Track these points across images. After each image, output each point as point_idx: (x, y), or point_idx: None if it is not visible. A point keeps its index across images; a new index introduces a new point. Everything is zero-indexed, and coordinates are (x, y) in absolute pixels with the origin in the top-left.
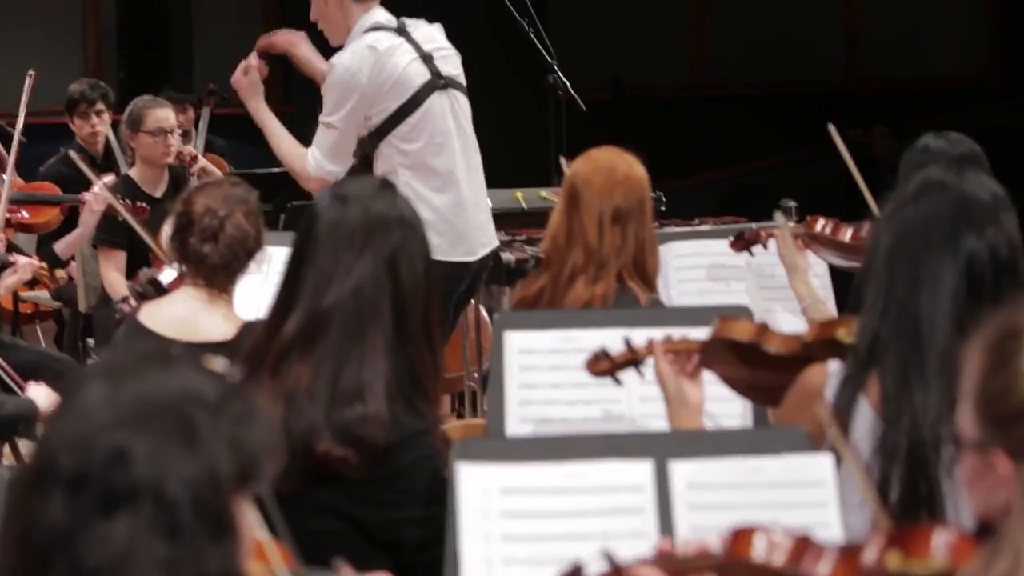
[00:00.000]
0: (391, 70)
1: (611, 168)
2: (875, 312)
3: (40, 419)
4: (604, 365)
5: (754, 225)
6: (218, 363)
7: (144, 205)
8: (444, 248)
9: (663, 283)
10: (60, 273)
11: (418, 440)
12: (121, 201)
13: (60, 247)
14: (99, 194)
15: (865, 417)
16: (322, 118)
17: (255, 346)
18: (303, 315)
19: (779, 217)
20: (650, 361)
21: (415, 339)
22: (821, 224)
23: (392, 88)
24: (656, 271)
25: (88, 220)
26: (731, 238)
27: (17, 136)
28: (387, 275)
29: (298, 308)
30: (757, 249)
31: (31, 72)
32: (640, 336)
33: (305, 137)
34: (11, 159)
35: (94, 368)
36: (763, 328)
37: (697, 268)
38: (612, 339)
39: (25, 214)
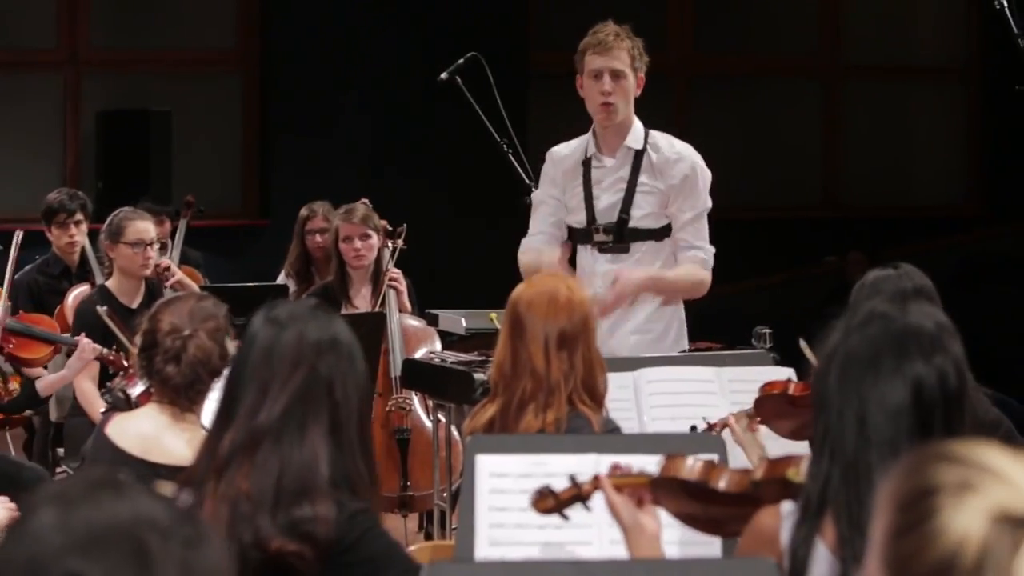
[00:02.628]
0: None
1: (553, 292)
2: (824, 452)
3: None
4: (549, 503)
5: (703, 418)
6: (168, 488)
7: (118, 355)
8: None
9: (635, 409)
10: (13, 385)
11: (359, 516)
12: (111, 351)
13: (42, 385)
14: (91, 344)
15: (823, 558)
16: (695, 211)
17: (196, 464)
18: (240, 428)
19: (730, 418)
20: (597, 495)
21: (350, 448)
22: (775, 387)
23: None
24: (604, 389)
25: (75, 366)
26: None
27: (7, 284)
28: (325, 389)
29: (235, 424)
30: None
31: (19, 232)
32: (610, 462)
33: (281, 251)
34: (4, 289)
35: (45, 493)
36: (711, 465)
37: (670, 394)
38: (584, 464)
39: (12, 345)
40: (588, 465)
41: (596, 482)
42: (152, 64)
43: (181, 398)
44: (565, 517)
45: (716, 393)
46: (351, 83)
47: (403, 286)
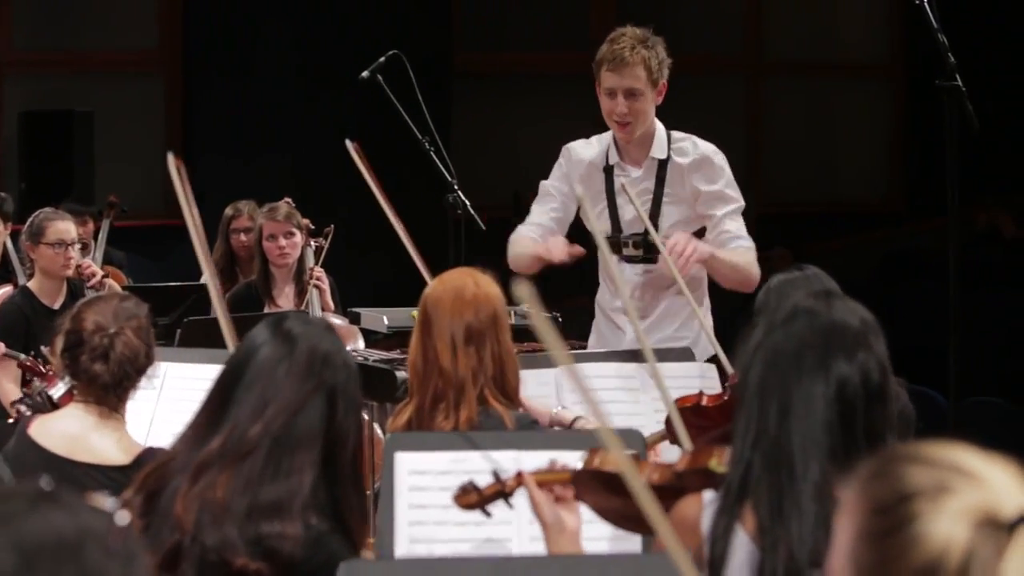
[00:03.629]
0: None
1: (460, 288)
2: (746, 443)
3: None
4: (472, 498)
5: None
6: (102, 500)
7: (35, 361)
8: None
9: (558, 405)
10: None
11: (325, 539)
12: (28, 357)
13: None
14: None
15: (742, 546)
16: (732, 207)
17: (172, 459)
18: (230, 435)
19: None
20: (520, 492)
21: (343, 479)
22: (687, 400)
23: None
24: (516, 385)
25: None
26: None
27: None
28: (326, 410)
29: (225, 428)
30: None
31: None
32: (531, 459)
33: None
34: None
35: None
36: (634, 458)
37: (591, 390)
38: (503, 461)
39: None
40: (508, 462)
41: (519, 478)
42: (74, 65)
43: (109, 396)
44: (488, 514)
45: (639, 389)
46: (273, 83)
47: (326, 285)
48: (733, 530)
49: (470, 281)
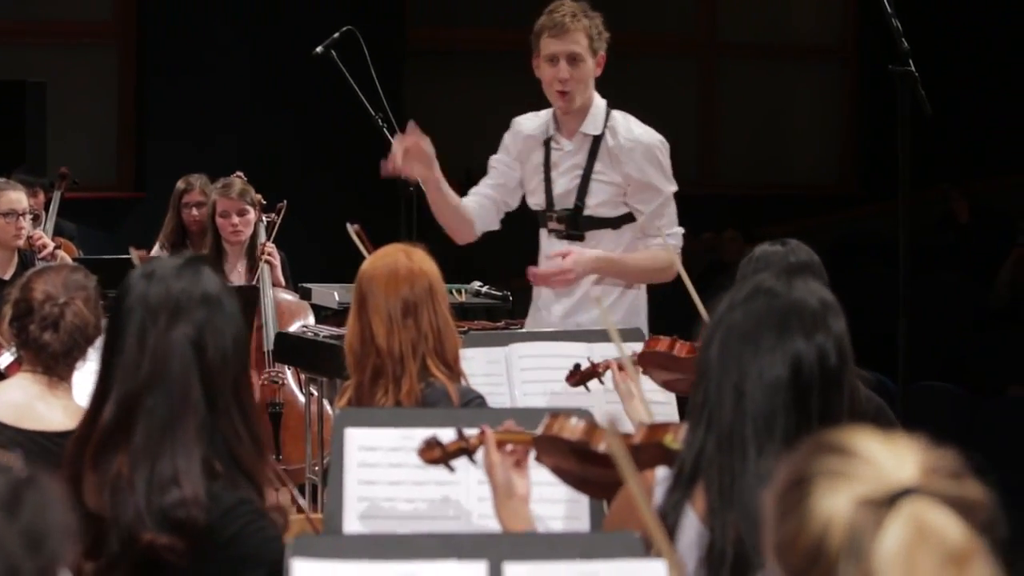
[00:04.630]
0: None
1: (393, 264)
2: (702, 422)
3: None
4: (436, 453)
5: (587, 358)
6: (8, 457)
7: None
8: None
9: (507, 383)
10: None
11: (239, 509)
12: None
13: None
14: None
15: (692, 526)
16: (657, 202)
17: (78, 436)
18: (116, 403)
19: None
20: (483, 450)
21: (228, 415)
22: (661, 344)
23: None
24: (456, 354)
25: None
26: (567, 371)
27: None
28: (193, 354)
29: (112, 396)
30: (593, 384)
31: None
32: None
33: (156, 224)
34: None
35: None
36: (592, 427)
37: (541, 369)
38: (452, 437)
39: None
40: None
41: (482, 436)
42: (27, 35)
43: (59, 365)
44: (451, 469)
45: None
46: (228, 56)
47: (277, 260)
48: (683, 506)
49: (403, 256)
